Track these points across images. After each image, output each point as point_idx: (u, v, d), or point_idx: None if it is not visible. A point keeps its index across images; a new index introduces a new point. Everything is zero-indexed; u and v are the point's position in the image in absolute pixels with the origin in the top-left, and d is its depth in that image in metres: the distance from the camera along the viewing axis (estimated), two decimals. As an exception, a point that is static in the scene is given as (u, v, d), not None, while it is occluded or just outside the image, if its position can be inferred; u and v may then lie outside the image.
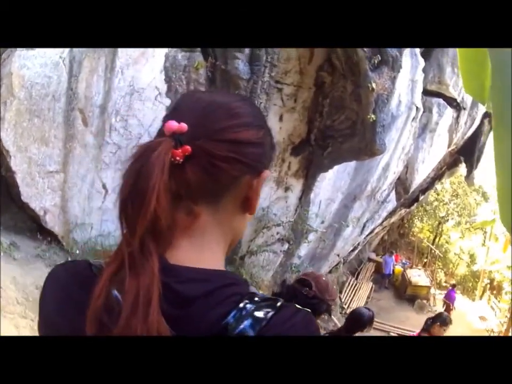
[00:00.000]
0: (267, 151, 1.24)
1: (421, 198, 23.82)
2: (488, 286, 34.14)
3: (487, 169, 24.24)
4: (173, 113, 1.20)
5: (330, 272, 19.84)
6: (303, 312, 1.12)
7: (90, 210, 10.76)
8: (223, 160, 1.12)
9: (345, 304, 20.70)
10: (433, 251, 36.22)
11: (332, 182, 15.10)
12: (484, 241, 35.94)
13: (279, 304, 1.10)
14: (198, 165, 1.10)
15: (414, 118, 15.82)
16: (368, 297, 23.96)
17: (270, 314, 1.07)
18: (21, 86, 9.18)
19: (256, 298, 1.11)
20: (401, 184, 19.28)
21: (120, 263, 1.07)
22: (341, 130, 12.30)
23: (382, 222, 21.29)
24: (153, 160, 1.05)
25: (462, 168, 23.30)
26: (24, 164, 9.68)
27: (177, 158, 1.08)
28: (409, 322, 22.09)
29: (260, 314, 1.07)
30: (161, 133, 1.15)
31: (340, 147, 12.43)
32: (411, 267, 30.92)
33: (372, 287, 25.57)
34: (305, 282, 3.84)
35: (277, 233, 14.27)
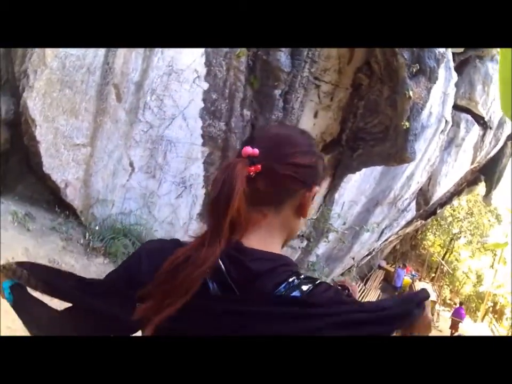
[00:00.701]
0: (319, 172, 1.64)
1: (438, 211, 23.92)
2: (491, 308, 33.88)
3: (503, 191, 24.66)
4: (249, 141, 1.60)
5: (342, 274, 19.82)
6: (334, 288, 1.49)
7: (113, 187, 10.60)
8: (284, 177, 1.52)
9: (351, 309, 20.46)
10: (442, 267, 35.79)
11: (357, 185, 15.04)
12: (493, 264, 35.81)
13: (317, 281, 1.48)
14: (265, 179, 1.51)
15: (442, 131, 15.82)
16: (374, 305, 23.67)
17: (311, 287, 1.44)
18: (54, 56, 9.04)
19: (302, 276, 1.49)
20: (422, 195, 19.25)
21: (202, 240, 1.46)
22: (373, 133, 12.25)
23: (399, 230, 21.24)
24: (235, 174, 1.44)
25: (480, 187, 23.75)
26: (50, 134, 9.50)
27: (251, 173, 1.47)
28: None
29: (303, 287, 1.44)
30: (239, 154, 1.54)
31: (370, 150, 12.37)
32: (419, 280, 30.71)
33: (379, 294, 25.35)
34: (345, 286, 3.79)
35: None
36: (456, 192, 22.78)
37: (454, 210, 37.38)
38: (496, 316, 32.40)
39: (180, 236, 11.32)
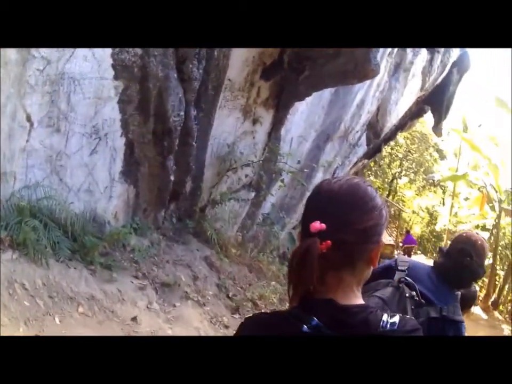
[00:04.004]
0: (383, 223, 1.74)
1: (383, 147, 24.02)
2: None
3: (443, 126, 23.92)
4: (314, 212, 1.73)
5: (293, 228, 18.32)
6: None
7: (11, 154, 8.36)
8: (354, 244, 1.67)
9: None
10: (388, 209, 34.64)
11: (304, 117, 14.00)
12: (443, 200, 36.36)
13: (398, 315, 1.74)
14: (337, 250, 1.64)
15: (389, 53, 15.31)
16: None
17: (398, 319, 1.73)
18: None
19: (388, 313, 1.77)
20: (372, 128, 18.86)
21: None
22: (321, 50, 10.62)
23: (349, 170, 20.69)
24: (311, 257, 1.60)
25: (418, 124, 25.35)
26: None
27: (323, 250, 1.60)
28: (376, 283, 20.76)
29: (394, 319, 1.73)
30: (307, 230, 1.66)
31: (319, 70, 11.01)
32: None
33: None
34: (465, 251, 3.82)
35: (246, 175, 12.82)
36: (400, 126, 22.42)
37: (392, 149, 36.93)
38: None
39: (103, 205, 9.81)
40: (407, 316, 1.79)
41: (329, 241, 1.58)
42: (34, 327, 6.91)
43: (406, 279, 3.42)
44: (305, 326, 1.57)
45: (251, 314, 1.84)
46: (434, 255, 33.12)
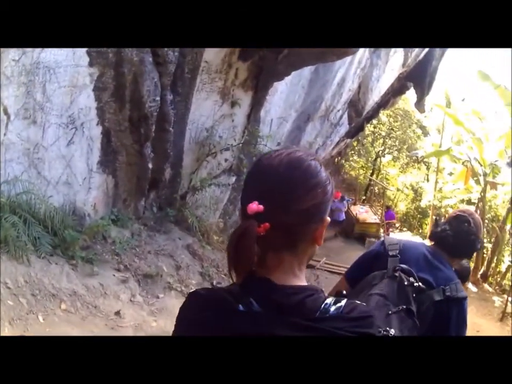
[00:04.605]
0: (327, 201, 1.68)
1: (366, 126, 24.07)
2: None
3: (426, 102, 24.43)
4: (251, 191, 1.65)
5: None
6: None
7: None
8: (294, 226, 1.62)
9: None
10: (371, 188, 36.11)
11: (284, 97, 13.80)
12: (427, 176, 36.32)
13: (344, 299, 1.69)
14: (276, 232, 1.58)
15: None
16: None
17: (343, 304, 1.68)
18: None
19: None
20: (353, 106, 18.73)
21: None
22: None
23: (331, 150, 20.90)
24: (247, 242, 1.52)
25: (400, 101, 25.01)
26: None
27: (261, 233, 1.53)
28: (364, 263, 20.58)
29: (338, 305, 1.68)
30: (245, 212, 1.58)
31: (298, 48, 10.63)
32: (354, 204, 29.65)
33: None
34: (463, 218, 3.74)
35: (225, 160, 12.68)
36: (382, 103, 22.49)
37: (374, 128, 36.80)
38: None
39: (82, 197, 9.57)
40: (358, 302, 1.67)
41: (267, 224, 1.53)
42: (19, 326, 6.79)
43: (400, 266, 3.23)
44: (240, 305, 1.57)
45: (195, 289, 1.81)
46: (420, 231, 33.11)
